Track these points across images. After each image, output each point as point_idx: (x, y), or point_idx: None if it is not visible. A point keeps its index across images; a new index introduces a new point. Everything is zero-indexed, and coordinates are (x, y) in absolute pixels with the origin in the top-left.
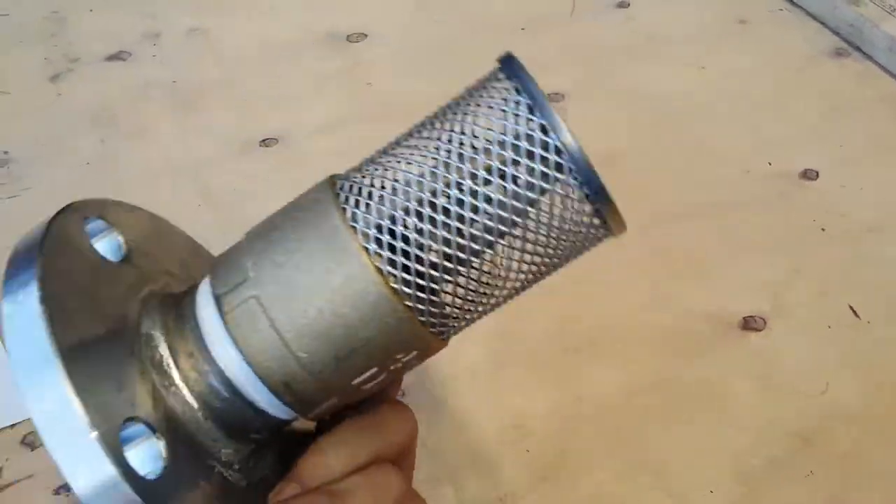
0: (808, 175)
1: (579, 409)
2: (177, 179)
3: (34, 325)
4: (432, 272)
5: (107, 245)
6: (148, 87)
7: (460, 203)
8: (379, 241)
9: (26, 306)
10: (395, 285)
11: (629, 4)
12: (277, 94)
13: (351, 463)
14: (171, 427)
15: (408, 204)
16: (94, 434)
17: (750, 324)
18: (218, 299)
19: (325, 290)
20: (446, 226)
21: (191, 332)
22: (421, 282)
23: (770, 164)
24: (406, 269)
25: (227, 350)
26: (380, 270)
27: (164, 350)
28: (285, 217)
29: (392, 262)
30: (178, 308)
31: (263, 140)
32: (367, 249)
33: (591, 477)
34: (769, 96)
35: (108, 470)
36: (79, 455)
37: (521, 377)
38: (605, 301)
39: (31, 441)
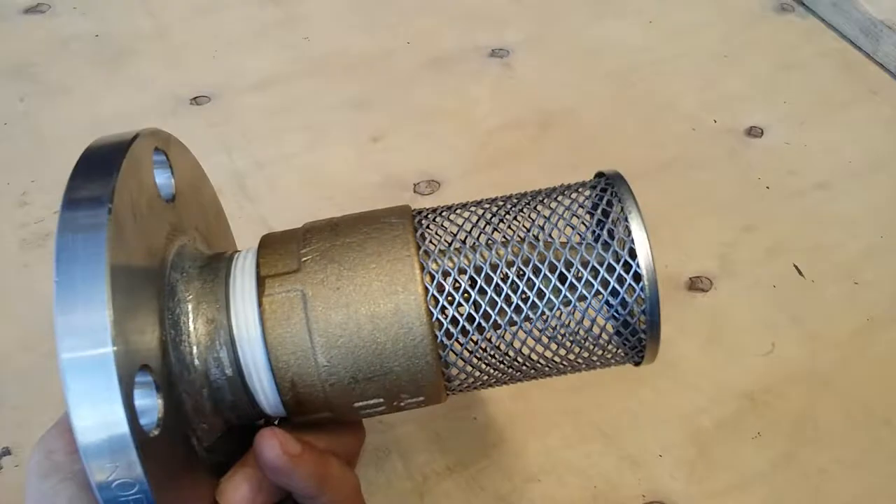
0: (753, 133)
1: None
2: None
3: (95, 240)
4: (475, 334)
5: (163, 181)
6: (69, 41)
7: (530, 284)
8: (441, 288)
9: (94, 218)
10: (438, 332)
11: None
12: (209, 49)
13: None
14: (167, 384)
15: (482, 265)
16: (116, 369)
17: (696, 284)
18: (261, 280)
19: (372, 311)
20: (507, 298)
21: (218, 299)
22: (461, 338)
23: (715, 121)
24: (454, 321)
25: (251, 330)
26: (430, 313)
27: (185, 306)
28: (356, 227)
29: (444, 311)
30: (209, 271)
31: (195, 98)
32: (427, 290)
33: (540, 442)
34: (715, 52)
35: (117, 409)
36: (93, 384)
37: None
38: None
39: None
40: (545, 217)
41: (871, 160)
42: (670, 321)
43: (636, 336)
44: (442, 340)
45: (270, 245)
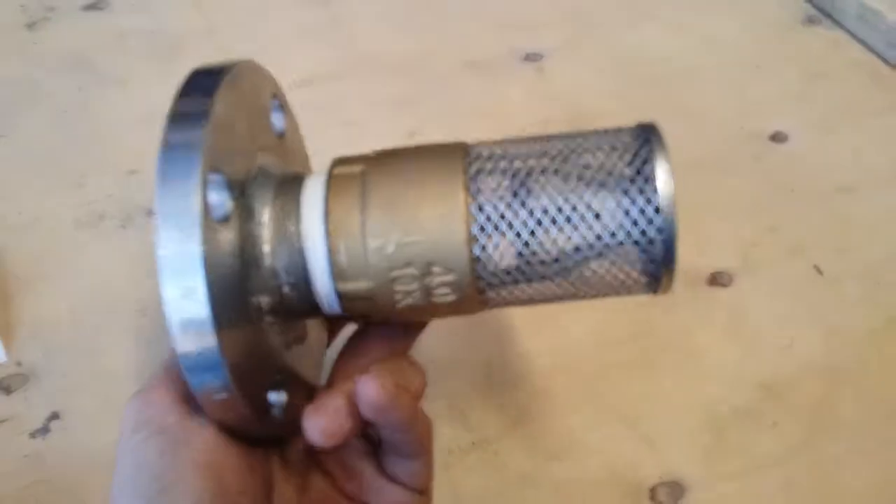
0: (778, 138)
1: (553, 359)
2: (155, 128)
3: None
4: (503, 209)
5: (277, 121)
6: (126, 37)
7: (558, 213)
8: (480, 170)
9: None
10: (470, 205)
11: None
12: (257, 45)
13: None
14: (238, 192)
15: (520, 167)
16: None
17: (717, 279)
18: (331, 170)
19: (421, 178)
20: (539, 222)
21: (293, 191)
22: (491, 211)
23: (742, 127)
24: (488, 218)
25: (316, 194)
26: (468, 188)
27: (265, 194)
28: (415, 147)
29: (479, 187)
30: (290, 178)
31: None
32: (468, 169)
33: (562, 423)
34: (743, 61)
35: (193, 187)
36: (177, 174)
37: (496, 327)
38: None
39: (7, 385)
40: (580, 142)
41: (895, 167)
42: (691, 314)
43: (654, 261)
44: (473, 212)
45: (345, 156)
